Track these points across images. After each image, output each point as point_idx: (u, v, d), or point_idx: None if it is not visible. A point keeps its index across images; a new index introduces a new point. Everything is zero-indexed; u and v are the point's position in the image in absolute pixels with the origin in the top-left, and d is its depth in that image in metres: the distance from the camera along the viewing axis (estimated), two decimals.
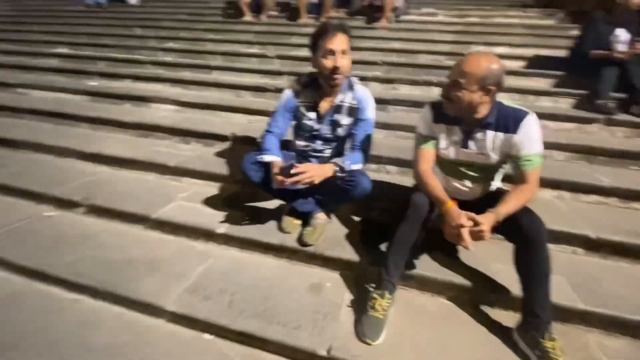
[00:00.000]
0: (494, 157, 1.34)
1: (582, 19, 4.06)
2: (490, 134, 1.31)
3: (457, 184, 1.47)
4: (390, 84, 3.26)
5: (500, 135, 1.29)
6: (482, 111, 1.26)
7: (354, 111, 1.63)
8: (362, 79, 3.29)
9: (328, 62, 1.48)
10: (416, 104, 2.85)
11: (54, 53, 4.41)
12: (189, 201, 1.95)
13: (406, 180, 1.94)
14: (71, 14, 5.95)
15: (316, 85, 1.63)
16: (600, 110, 2.57)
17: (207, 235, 1.72)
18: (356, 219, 1.86)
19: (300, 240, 1.61)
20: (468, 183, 1.45)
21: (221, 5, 5.56)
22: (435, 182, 1.35)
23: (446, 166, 1.46)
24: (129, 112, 2.94)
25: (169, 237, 1.78)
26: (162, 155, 2.31)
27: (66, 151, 2.42)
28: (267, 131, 1.66)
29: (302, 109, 1.66)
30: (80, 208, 1.95)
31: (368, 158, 1.64)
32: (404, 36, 4.22)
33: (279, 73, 3.55)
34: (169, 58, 4.12)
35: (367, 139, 1.63)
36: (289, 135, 1.75)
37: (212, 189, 2.09)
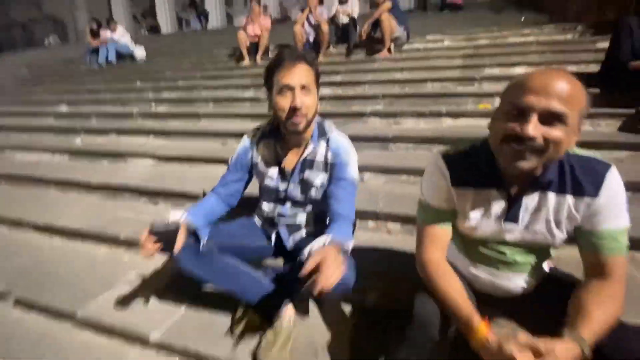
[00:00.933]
0: (560, 235, 0.84)
1: (605, 29, 3.61)
2: (552, 197, 0.82)
3: (491, 276, 0.96)
4: (392, 118, 2.85)
5: (570, 199, 0.80)
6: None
7: (329, 167, 1.21)
8: (360, 115, 2.97)
9: (284, 101, 1.10)
10: (423, 140, 2.40)
11: (52, 112, 4.41)
12: (133, 286, 1.54)
13: (414, 241, 1.45)
14: (81, 74, 6.17)
15: (279, 134, 1.24)
16: None
17: (142, 341, 1.28)
18: (344, 308, 1.37)
19: (255, 354, 1.13)
20: (511, 274, 0.94)
21: (225, 52, 5.57)
22: (454, 284, 0.86)
23: (474, 247, 0.96)
24: (102, 171, 2.68)
25: (99, 339, 1.36)
26: (120, 223, 1.96)
27: (20, 222, 2.14)
28: (211, 191, 1.28)
29: (261, 165, 1.27)
30: (8, 298, 1.59)
31: (354, 229, 1.19)
32: (408, 65, 3.90)
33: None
34: (161, 108, 3.99)
35: (352, 203, 1.19)
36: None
37: (166, 265, 1.68)
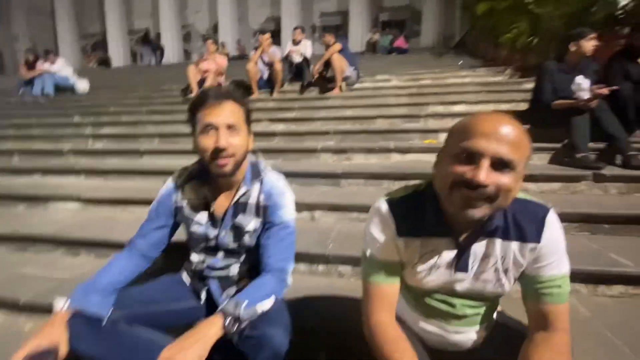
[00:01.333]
0: (508, 283, 0.80)
1: (530, 72, 4.08)
2: (499, 244, 0.78)
3: (441, 330, 0.88)
4: (343, 154, 2.85)
5: (515, 246, 0.77)
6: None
7: (262, 210, 1.10)
8: (312, 151, 2.95)
9: (207, 141, 0.98)
10: (373, 176, 2.40)
11: None
12: None
13: None
14: (9, 107, 5.60)
15: (208, 176, 1.11)
16: (584, 165, 2.20)
17: None
18: None
19: None
20: (462, 327, 0.87)
21: (176, 86, 5.41)
22: (404, 354, 0.77)
23: (423, 300, 0.88)
24: (15, 218, 2.31)
25: None
26: (25, 282, 1.63)
27: None
28: (127, 245, 1.10)
29: (187, 210, 1.12)
30: None
31: (286, 283, 1.06)
32: (358, 103, 4.04)
33: None
34: (99, 145, 3.67)
35: (286, 251, 1.07)
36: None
37: None
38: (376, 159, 2.79)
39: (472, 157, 0.67)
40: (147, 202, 2.30)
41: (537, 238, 0.74)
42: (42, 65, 5.96)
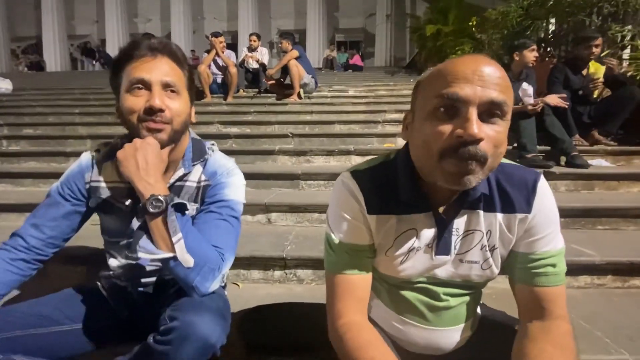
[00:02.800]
0: (495, 265, 0.67)
1: None
2: (483, 217, 0.64)
3: (421, 329, 0.72)
4: (302, 156, 2.70)
5: (500, 218, 0.64)
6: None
7: (202, 192, 0.88)
8: (269, 153, 2.75)
9: (135, 101, 0.76)
10: (334, 176, 2.26)
11: None
12: None
13: None
14: None
15: None
16: (534, 164, 2.28)
17: None
18: None
19: None
20: (444, 324, 0.72)
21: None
22: (383, 354, 0.60)
23: (398, 293, 0.72)
24: None
25: None
26: None
27: None
28: (4, 243, 0.82)
29: (105, 193, 0.85)
30: None
31: (223, 266, 0.79)
32: (316, 109, 3.96)
33: None
34: (15, 147, 3.12)
35: (225, 235, 0.83)
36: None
37: None
38: (336, 162, 2.67)
39: (455, 110, 0.53)
40: None
41: (527, 208, 0.63)
42: None
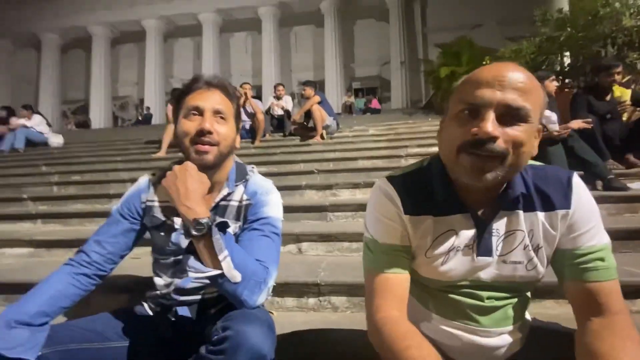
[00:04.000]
0: (541, 264, 0.67)
1: None
2: (522, 217, 0.66)
3: (468, 333, 0.70)
4: (328, 190, 2.76)
5: (541, 216, 0.65)
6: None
7: (244, 210, 0.94)
8: (296, 188, 2.85)
9: (190, 125, 0.87)
10: (362, 207, 2.29)
11: None
12: None
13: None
14: None
15: None
16: None
17: None
18: None
19: None
20: (493, 327, 0.70)
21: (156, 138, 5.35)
22: (420, 344, 0.60)
23: (441, 297, 0.72)
24: None
25: None
26: None
27: None
28: (73, 258, 0.89)
29: (158, 212, 0.94)
30: None
31: (265, 287, 0.83)
32: (339, 148, 4.12)
33: None
34: (64, 191, 3.40)
35: (268, 250, 0.88)
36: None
37: None
38: (363, 195, 2.70)
39: (476, 112, 0.58)
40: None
41: (567, 203, 0.65)
42: (17, 121, 5.80)
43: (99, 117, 15.26)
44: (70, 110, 16.50)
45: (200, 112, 0.88)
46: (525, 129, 0.57)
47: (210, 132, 0.86)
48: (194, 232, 0.78)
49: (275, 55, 14.76)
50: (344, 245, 1.88)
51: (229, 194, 0.94)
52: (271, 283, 0.84)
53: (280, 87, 5.46)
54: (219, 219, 0.83)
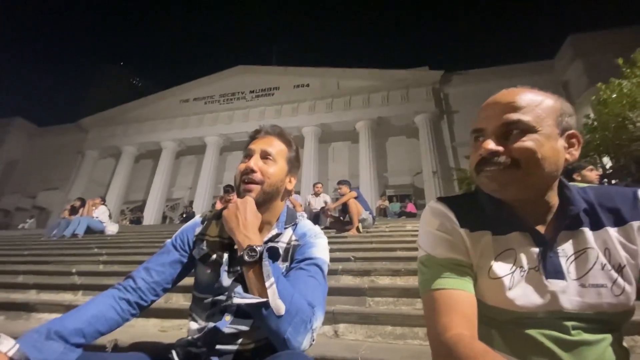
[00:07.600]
0: (629, 284, 0.60)
1: None
2: (592, 236, 0.63)
3: None
4: (366, 276, 2.61)
5: (612, 232, 0.62)
6: (552, 195, 0.66)
7: (292, 251, 0.95)
8: (332, 273, 2.72)
9: (241, 165, 0.98)
10: (404, 292, 2.10)
11: None
12: None
13: None
14: (39, 245, 5.78)
15: None
16: None
17: None
18: None
19: None
20: None
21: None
22: None
23: (518, 332, 0.62)
24: None
25: None
26: None
27: None
28: (118, 283, 0.92)
29: (205, 246, 0.97)
30: None
31: (314, 319, 0.77)
32: (376, 240, 4.02)
33: None
34: (109, 268, 3.53)
35: (315, 290, 0.84)
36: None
37: None
38: (403, 282, 2.51)
39: (481, 136, 0.67)
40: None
41: (637, 214, 0.62)
42: (83, 210, 6.54)
43: (151, 215, 16.68)
44: (128, 209, 18.31)
45: (251, 154, 0.99)
46: (533, 138, 0.61)
47: (253, 171, 0.95)
48: (246, 258, 0.79)
49: (314, 165, 16.19)
50: (387, 329, 1.69)
51: (277, 235, 0.97)
52: (317, 325, 0.78)
53: (319, 185, 5.83)
54: (270, 244, 0.85)
